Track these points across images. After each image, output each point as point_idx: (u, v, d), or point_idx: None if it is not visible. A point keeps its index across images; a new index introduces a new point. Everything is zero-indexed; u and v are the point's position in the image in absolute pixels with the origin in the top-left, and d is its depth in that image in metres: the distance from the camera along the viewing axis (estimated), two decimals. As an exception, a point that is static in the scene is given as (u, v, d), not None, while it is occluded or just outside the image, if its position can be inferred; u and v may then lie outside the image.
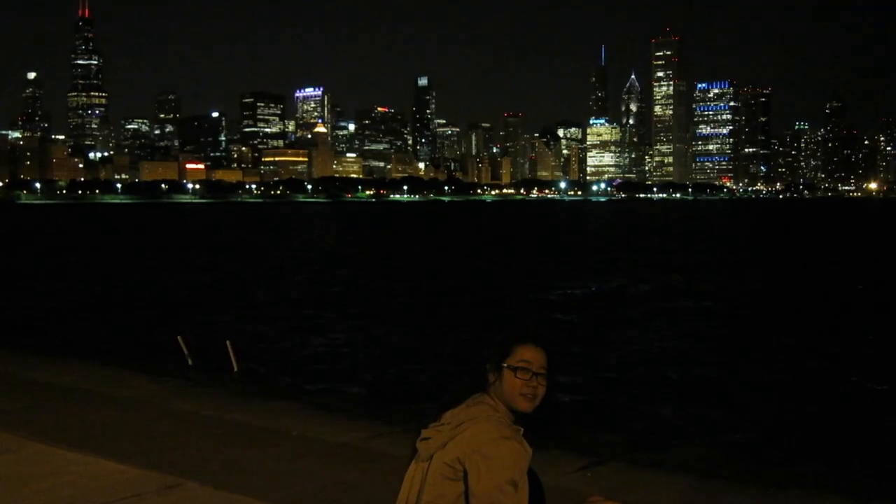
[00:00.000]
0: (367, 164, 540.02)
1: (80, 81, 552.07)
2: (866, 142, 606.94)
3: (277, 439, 9.35)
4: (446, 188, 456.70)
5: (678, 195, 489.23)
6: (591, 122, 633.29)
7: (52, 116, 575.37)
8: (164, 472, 6.10)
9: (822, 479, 8.94)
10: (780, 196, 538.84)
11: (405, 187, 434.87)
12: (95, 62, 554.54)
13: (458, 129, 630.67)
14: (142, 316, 22.37)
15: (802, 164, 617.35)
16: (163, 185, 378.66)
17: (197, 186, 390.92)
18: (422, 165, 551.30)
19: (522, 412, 3.53)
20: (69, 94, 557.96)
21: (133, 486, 5.33)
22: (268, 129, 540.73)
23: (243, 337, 17.62)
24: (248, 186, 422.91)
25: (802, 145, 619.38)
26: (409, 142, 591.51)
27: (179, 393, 12.42)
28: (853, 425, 11.37)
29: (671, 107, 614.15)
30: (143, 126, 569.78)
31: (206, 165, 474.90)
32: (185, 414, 10.70)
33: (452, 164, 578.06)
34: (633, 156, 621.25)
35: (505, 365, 3.54)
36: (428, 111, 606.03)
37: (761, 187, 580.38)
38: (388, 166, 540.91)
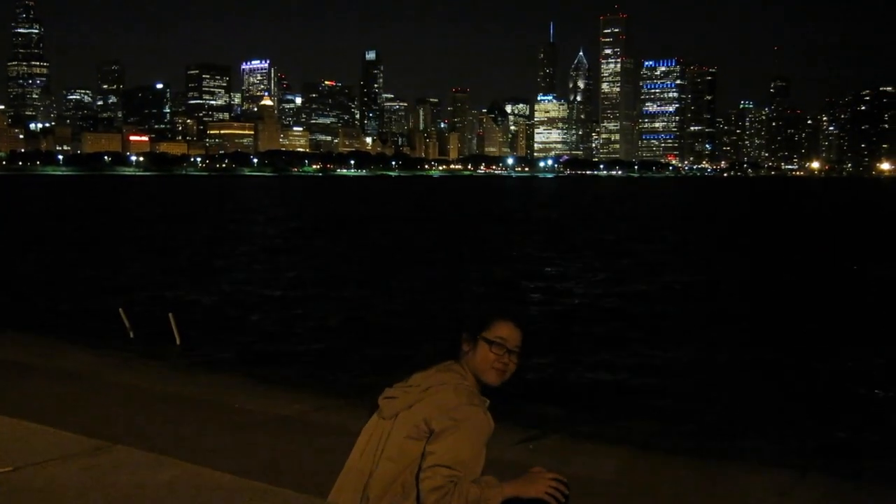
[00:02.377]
0: (313, 138, 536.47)
1: (21, 50, 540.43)
2: (809, 122, 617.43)
3: (219, 412, 9.30)
4: (394, 163, 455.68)
5: (622, 172, 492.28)
6: (538, 98, 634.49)
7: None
8: (98, 438, 6.08)
9: (759, 452, 9.07)
10: (725, 174, 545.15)
11: (352, 162, 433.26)
12: (36, 31, 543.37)
13: (405, 104, 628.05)
14: (82, 288, 22.01)
15: (747, 142, 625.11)
16: (106, 158, 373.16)
17: (141, 159, 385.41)
18: (369, 140, 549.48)
19: (490, 385, 3.57)
20: (9, 64, 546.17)
21: (62, 448, 5.24)
22: (213, 102, 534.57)
23: (186, 310, 17.43)
24: (193, 159, 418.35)
25: (747, 124, 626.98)
26: (357, 116, 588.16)
27: (120, 366, 12.27)
28: (790, 400, 11.55)
29: (618, 84, 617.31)
30: (86, 97, 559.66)
31: (150, 138, 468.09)
32: (125, 386, 10.58)
33: (400, 139, 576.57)
34: (580, 133, 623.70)
35: (481, 337, 3.57)
36: (376, 85, 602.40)
37: (706, 165, 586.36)
38: (335, 140, 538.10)
